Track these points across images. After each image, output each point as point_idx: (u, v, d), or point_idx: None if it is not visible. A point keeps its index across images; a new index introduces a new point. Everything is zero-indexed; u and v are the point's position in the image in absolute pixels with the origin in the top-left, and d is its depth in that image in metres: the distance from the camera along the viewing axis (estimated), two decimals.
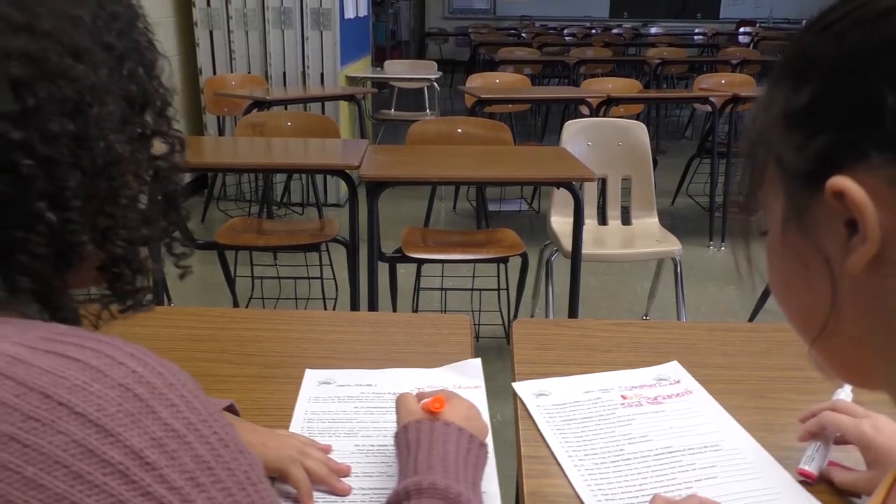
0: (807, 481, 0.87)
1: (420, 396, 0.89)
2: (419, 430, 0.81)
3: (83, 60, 0.51)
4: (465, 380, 1.07)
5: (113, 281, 0.58)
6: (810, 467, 0.87)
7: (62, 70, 0.49)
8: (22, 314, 0.50)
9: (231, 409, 0.91)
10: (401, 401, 0.88)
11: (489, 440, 0.88)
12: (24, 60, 0.48)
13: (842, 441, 0.89)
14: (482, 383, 1.06)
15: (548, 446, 0.93)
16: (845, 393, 0.96)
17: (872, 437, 0.84)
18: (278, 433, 0.90)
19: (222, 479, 0.44)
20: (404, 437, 0.81)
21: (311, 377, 1.08)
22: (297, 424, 0.98)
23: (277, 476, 0.84)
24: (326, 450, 0.92)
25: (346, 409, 1.01)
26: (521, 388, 1.06)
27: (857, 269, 0.40)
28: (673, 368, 1.11)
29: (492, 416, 0.98)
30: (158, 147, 0.63)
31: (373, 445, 0.93)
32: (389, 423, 0.97)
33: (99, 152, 0.52)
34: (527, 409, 1.01)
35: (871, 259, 0.39)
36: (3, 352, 0.43)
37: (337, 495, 0.85)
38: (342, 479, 0.87)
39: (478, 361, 1.11)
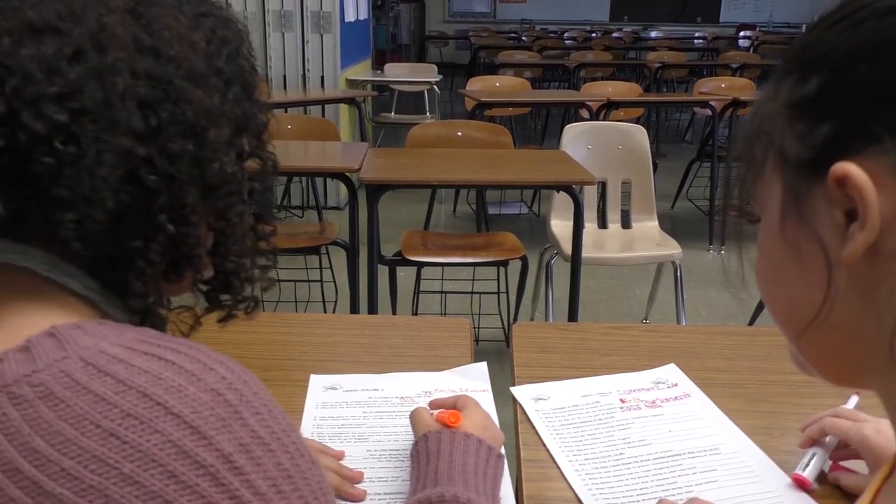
0: (804, 488, 0.86)
1: (433, 405, 0.89)
2: (440, 440, 0.81)
3: (201, 85, 0.54)
4: (471, 383, 1.07)
5: (220, 291, 0.61)
6: (805, 473, 0.86)
7: (183, 93, 0.52)
8: (113, 318, 0.52)
9: None
10: (415, 416, 0.89)
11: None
12: (151, 82, 0.51)
13: (843, 455, 0.89)
14: (489, 387, 1.06)
15: (547, 450, 0.93)
16: (852, 403, 0.95)
17: (874, 441, 0.83)
18: None
19: (300, 487, 0.45)
20: (424, 446, 0.82)
21: (317, 382, 1.08)
22: (307, 430, 0.97)
23: None
24: (339, 456, 0.92)
25: (355, 414, 1.01)
26: (519, 392, 1.05)
27: (854, 256, 0.40)
28: (671, 371, 1.11)
29: None
30: (252, 167, 0.65)
31: (384, 450, 0.93)
32: (399, 426, 0.97)
33: (213, 172, 0.54)
34: (526, 414, 1.01)
35: (868, 248, 0.39)
36: (104, 350, 0.44)
37: (352, 502, 0.85)
38: (356, 486, 0.87)
39: (483, 365, 1.10)
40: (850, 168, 0.39)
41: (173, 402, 0.43)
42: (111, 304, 0.53)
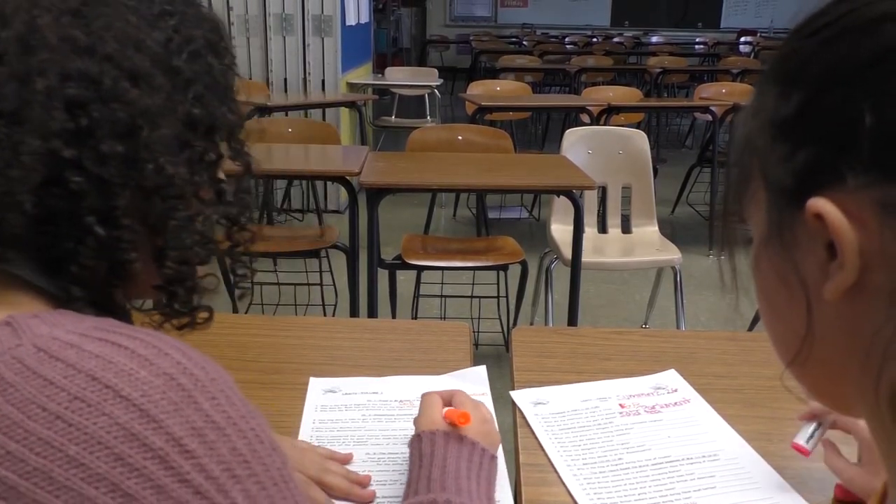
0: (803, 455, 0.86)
1: (446, 400, 0.88)
2: (434, 442, 0.80)
3: (139, 84, 0.52)
4: (470, 387, 1.06)
5: (168, 299, 0.59)
6: (806, 444, 0.85)
7: (117, 93, 0.51)
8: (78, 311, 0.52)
9: None
10: (425, 402, 0.87)
11: (499, 448, 0.89)
12: (82, 82, 0.50)
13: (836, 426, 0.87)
14: (488, 391, 1.06)
15: (546, 455, 0.93)
16: None
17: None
18: (299, 446, 0.89)
19: (257, 472, 0.45)
20: (418, 447, 0.81)
21: (316, 385, 1.08)
22: (306, 434, 0.97)
23: None
24: (346, 460, 0.91)
25: (354, 417, 1.01)
26: (518, 396, 1.05)
27: (835, 296, 0.37)
28: (671, 377, 1.11)
29: None
30: (230, 169, 0.64)
31: (384, 453, 0.93)
32: (398, 430, 0.97)
33: (149, 174, 0.53)
34: (525, 418, 1.01)
35: (850, 286, 0.37)
36: (58, 337, 0.45)
37: None
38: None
39: (483, 369, 1.10)
40: (824, 206, 0.36)
41: (122, 385, 0.43)
42: (74, 300, 0.53)
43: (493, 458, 0.83)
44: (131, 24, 0.53)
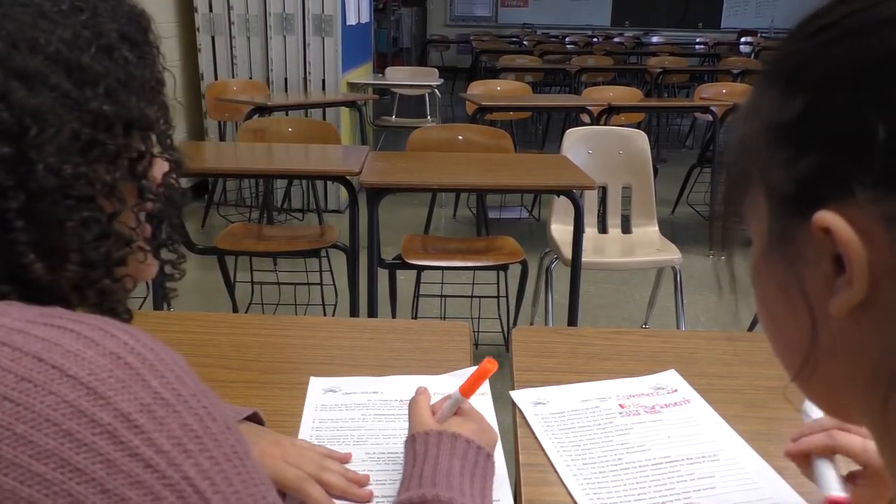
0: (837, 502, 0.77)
1: (435, 408, 0.88)
2: (427, 441, 0.81)
3: (28, 84, 0.51)
4: None
5: (79, 301, 0.58)
6: (840, 492, 0.74)
7: (1, 94, 0.50)
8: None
9: (255, 417, 0.91)
10: (412, 408, 0.88)
11: (498, 447, 0.89)
12: None
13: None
14: (488, 391, 1.06)
15: (546, 454, 0.93)
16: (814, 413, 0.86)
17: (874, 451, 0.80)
18: (298, 444, 0.89)
19: (209, 448, 0.45)
20: (412, 448, 0.82)
21: (316, 385, 1.08)
22: (306, 433, 0.97)
23: (294, 494, 0.84)
24: (345, 459, 0.91)
25: (354, 417, 1.01)
26: (518, 396, 1.05)
27: (842, 313, 0.35)
28: (671, 377, 1.11)
29: None
30: (161, 167, 0.63)
31: (383, 452, 0.93)
32: (398, 429, 0.97)
33: (40, 175, 0.51)
34: (525, 418, 1.01)
35: (858, 303, 0.35)
36: (3, 324, 0.45)
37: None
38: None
39: None
40: (833, 221, 0.34)
41: (69, 365, 0.43)
42: (3, 296, 0.52)
43: (489, 455, 0.83)
44: (26, 24, 0.52)
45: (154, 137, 0.61)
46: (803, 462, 0.78)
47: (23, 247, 0.52)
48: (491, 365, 0.86)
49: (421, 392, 0.91)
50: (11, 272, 0.52)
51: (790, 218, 0.37)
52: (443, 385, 1.07)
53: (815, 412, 0.84)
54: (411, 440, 0.83)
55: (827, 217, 0.34)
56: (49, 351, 0.43)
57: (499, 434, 0.90)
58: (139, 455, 0.42)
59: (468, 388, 0.86)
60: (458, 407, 0.87)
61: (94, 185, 0.55)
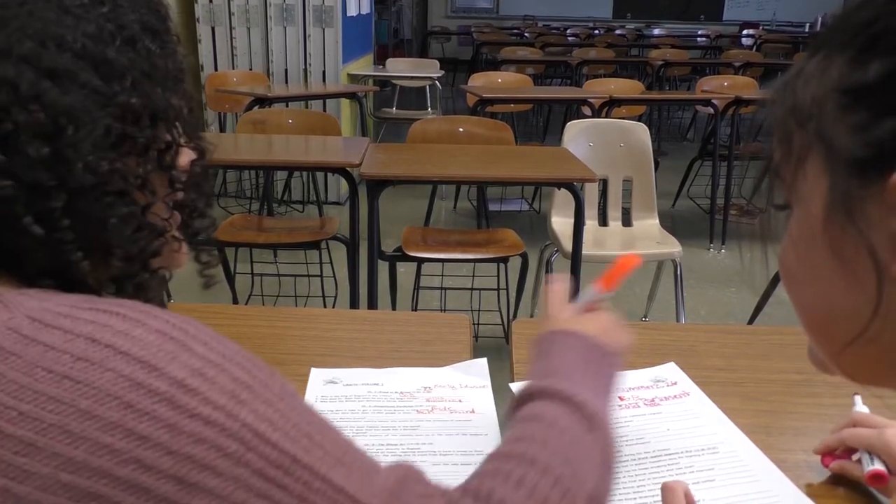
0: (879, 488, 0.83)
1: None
2: (550, 341, 0.79)
3: (59, 82, 0.51)
4: (471, 379, 1.07)
5: (116, 293, 0.58)
6: (877, 465, 0.81)
7: (35, 94, 0.50)
8: None
9: None
10: (550, 301, 0.86)
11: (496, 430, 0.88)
12: (3, 87, 0.49)
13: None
14: (488, 383, 1.07)
15: None
16: (858, 404, 0.92)
17: None
18: None
19: (261, 393, 0.48)
20: (537, 349, 0.80)
21: (317, 376, 1.08)
22: None
23: None
24: None
25: (354, 409, 1.01)
26: (518, 388, 1.05)
27: None
28: (670, 370, 1.11)
29: None
30: (188, 155, 0.63)
31: (383, 444, 0.94)
32: (398, 421, 0.98)
33: (78, 173, 0.52)
34: None
35: None
36: (49, 309, 0.47)
37: None
38: None
39: (484, 361, 1.11)
40: None
41: (121, 342, 0.45)
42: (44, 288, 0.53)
43: (608, 353, 0.79)
44: (51, 21, 0.52)
45: (179, 126, 0.61)
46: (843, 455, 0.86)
47: (70, 245, 0.53)
48: (632, 260, 0.83)
49: (558, 281, 0.88)
50: (54, 268, 0.53)
51: (858, 182, 0.37)
52: (443, 377, 1.07)
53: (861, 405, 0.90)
54: (537, 341, 0.81)
55: None
56: (100, 332, 0.46)
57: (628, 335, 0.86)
58: (198, 414, 0.45)
59: (606, 282, 0.85)
60: (592, 302, 0.86)
61: (128, 179, 0.56)
